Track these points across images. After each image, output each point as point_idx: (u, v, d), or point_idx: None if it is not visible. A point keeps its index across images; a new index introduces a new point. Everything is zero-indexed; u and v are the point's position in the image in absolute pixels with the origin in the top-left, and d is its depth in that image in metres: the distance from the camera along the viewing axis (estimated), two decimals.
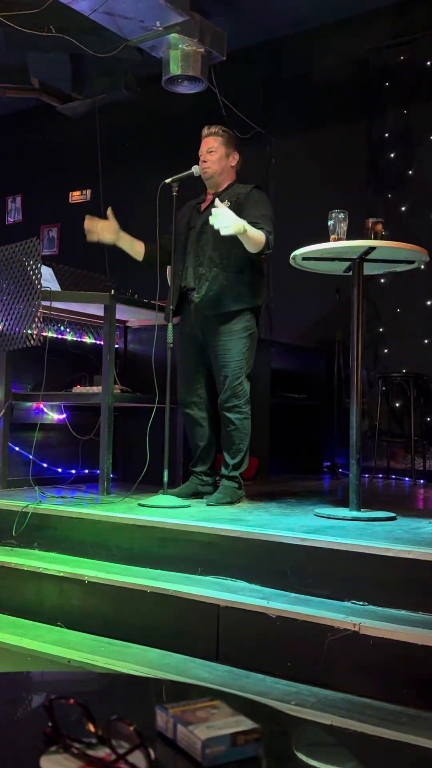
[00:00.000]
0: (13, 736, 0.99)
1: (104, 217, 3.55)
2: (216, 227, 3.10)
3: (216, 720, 0.91)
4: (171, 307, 3.38)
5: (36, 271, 3.47)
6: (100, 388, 3.57)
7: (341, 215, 2.95)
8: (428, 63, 5.37)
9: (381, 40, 5.52)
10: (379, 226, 2.97)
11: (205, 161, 3.45)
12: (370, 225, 2.98)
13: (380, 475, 5.18)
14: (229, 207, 3.17)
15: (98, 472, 3.58)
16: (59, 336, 4.13)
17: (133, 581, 2.51)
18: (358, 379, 2.97)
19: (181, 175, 3.38)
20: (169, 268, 3.54)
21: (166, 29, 4.99)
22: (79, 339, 4.27)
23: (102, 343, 3.72)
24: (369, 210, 5.09)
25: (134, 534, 2.79)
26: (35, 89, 6.11)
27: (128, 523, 2.81)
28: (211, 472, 3.60)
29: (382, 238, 2.97)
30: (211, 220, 3.12)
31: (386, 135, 5.50)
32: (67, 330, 4.18)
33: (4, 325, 3.58)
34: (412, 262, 3.09)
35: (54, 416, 4.09)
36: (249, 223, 3.17)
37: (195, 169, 3.43)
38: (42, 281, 3.49)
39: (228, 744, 0.88)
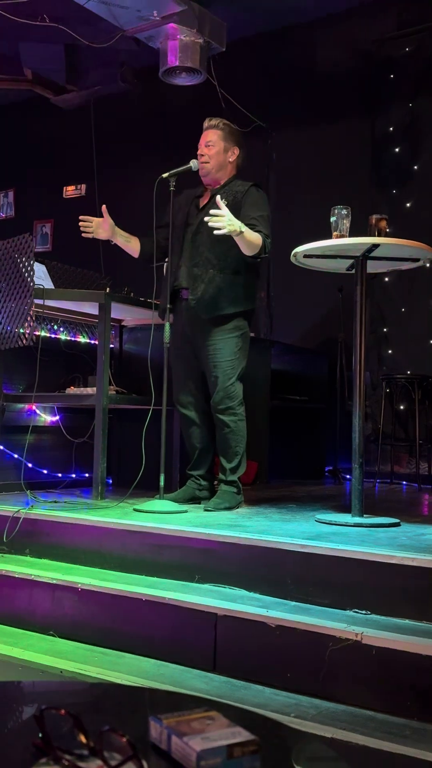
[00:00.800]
0: (3, 747, 0.98)
1: (99, 213, 3.49)
2: (211, 225, 3.05)
3: (212, 731, 0.90)
4: (167, 305, 3.33)
5: (28, 269, 3.45)
6: (95, 389, 3.54)
7: (344, 211, 2.96)
8: None
9: (386, 32, 5.47)
10: (383, 223, 2.98)
11: (202, 155, 3.39)
12: (373, 221, 2.98)
13: (383, 480, 5.12)
14: (226, 205, 3.11)
15: (92, 475, 3.54)
16: (52, 335, 4.10)
17: (127, 589, 2.50)
18: (361, 380, 2.96)
19: (178, 169, 3.36)
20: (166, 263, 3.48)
21: (164, 19, 4.92)
22: (73, 338, 4.22)
23: (96, 342, 3.73)
24: (372, 206, 5.02)
25: (129, 540, 2.77)
26: (28, 80, 6.09)
27: (123, 528, 2.80)
28: (209, 476, 3.56)
29: (386, 234, 2.97)
30: (207, 219, 3.06)
31: (391, 129, 5.45)
32: (61, 329, 4.14)
33: None
34: (417, 259, 3.09)
35: (47, 418, 4.06)
36: (246, 224, 3.12)
37: (193, 164, 3.39)
38: (35, 279, 3.47)
39: (224, 756, 0.86)
